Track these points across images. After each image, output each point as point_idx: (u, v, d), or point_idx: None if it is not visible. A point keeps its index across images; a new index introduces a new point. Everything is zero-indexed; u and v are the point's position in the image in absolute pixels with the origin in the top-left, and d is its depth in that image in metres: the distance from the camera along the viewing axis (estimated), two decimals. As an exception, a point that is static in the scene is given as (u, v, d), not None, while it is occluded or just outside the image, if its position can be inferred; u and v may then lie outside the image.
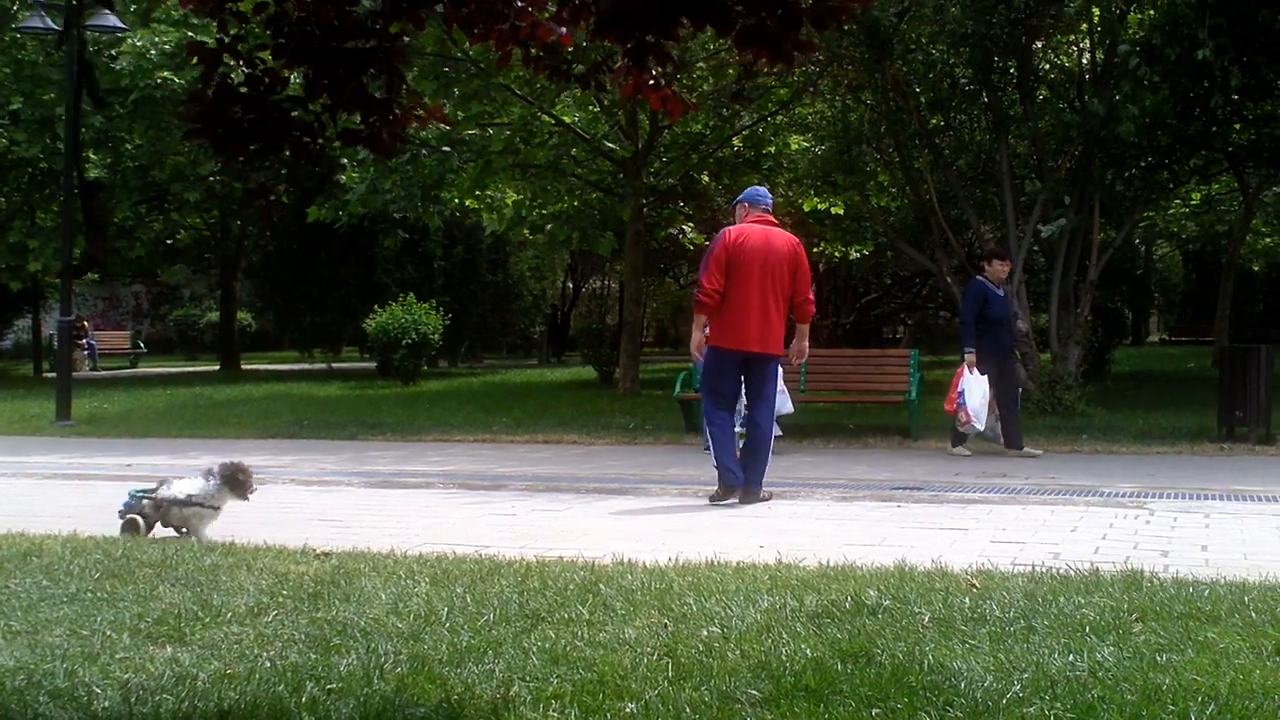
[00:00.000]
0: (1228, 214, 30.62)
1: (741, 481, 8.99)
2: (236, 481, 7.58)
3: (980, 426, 11.76)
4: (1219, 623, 4.91)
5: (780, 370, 12.57)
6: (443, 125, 5.11)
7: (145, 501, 7.63)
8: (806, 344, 9.48)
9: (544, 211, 22.57)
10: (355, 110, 4.36)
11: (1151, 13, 15.39)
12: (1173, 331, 46.89)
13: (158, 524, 7.64)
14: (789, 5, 3.74)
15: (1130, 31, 15.50)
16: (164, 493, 7.58)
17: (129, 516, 7.62)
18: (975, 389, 11.69)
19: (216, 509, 7.62)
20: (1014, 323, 15.67)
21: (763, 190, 9.62)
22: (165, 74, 22.97)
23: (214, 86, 4.28)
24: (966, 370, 11.73)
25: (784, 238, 9.12)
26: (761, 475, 9.07)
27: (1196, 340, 39.77)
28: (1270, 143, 16.21)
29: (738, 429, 12.37)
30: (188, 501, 7.55)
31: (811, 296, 9.26)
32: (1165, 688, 4.10)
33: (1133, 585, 5.56)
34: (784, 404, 12.23)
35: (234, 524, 7.87)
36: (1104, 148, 15.26)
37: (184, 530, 7.65)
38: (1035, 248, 17.51)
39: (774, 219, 9.27)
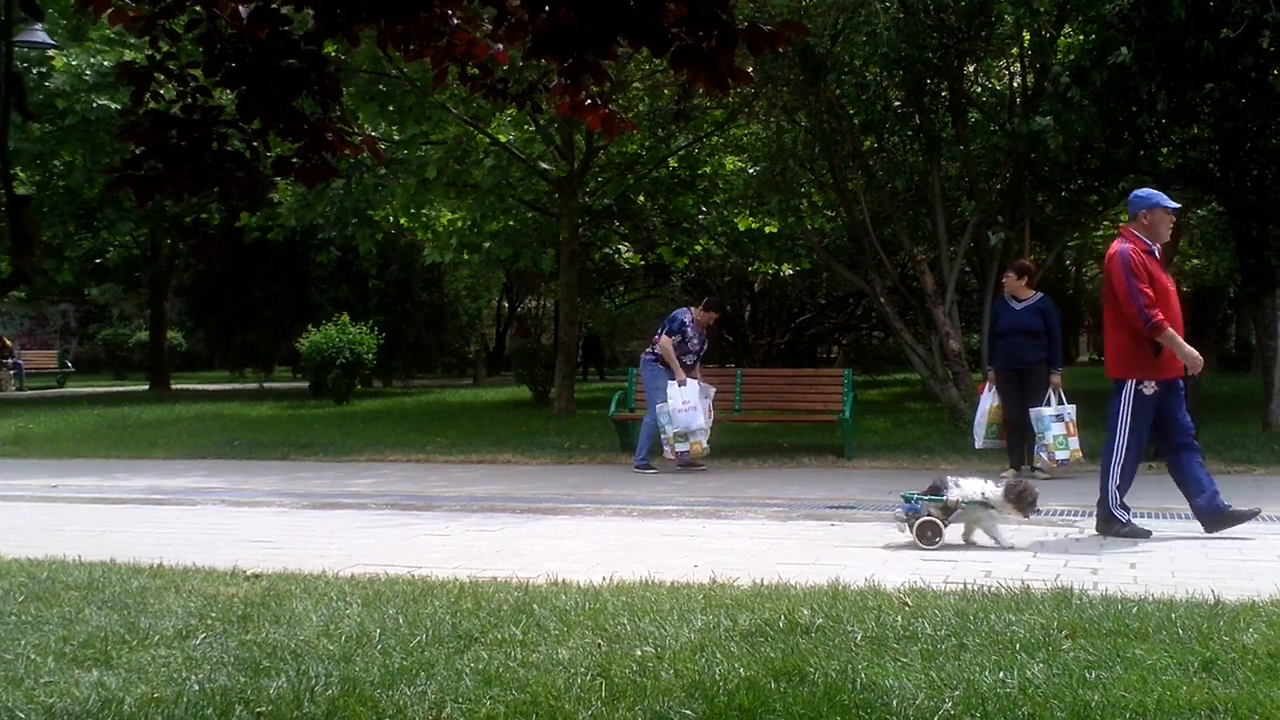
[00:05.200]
0: (1155, 236, 31.08)
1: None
2: (1022, 498, 7.58)
3: (978, 444, 11.83)
4: (1147, 640, 4.97)
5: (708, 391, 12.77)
6: (376, 160, 5.07)
7: (932, 504, 7.58)
8: (1186, 351, 8.02)
9: (480, 231, 22.49)
10: (289, 135, 4.34)
11: (1081, 37, 15.63)
12: (1102, 351, 47.53)
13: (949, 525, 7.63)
14: (724, 26, 3.76)
15: (1060, 56, 15.72)
16: (956, 495, 7.55)
17: (926, 519, 7.54)
18: (979, 406, 11.80)
19: (1002, 513, 7.62)
20: (947, 341, 15.83)
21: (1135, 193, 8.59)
22: (102, 100, 22.65)
23: (147, 108, 4.24)
24: (985, 388, 11.81)
25: (1112, 247, 8.30)
26: (1103, 499, 8.16)
27: (1125, 360, 40.25)
28: (1196, 166, 16.45)
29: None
30: (986, 503, 7.55)
31: (1133, 308, 7.98)
32: (1094, 704, 4.14)
33: (1062, 603, 5.62)
34: (692, 420, 12.37)
35: (162, 545, 7.78)
36: (1034, 169, 15.46)
37: (970, 532, 7.67)
38: (967, 268, 17.69)
39: (1124, 227, 8.38)
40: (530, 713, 4.21)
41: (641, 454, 12.73)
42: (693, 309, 13.08)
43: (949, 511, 7.58)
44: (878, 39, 15.20)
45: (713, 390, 13.11)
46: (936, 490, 7.64)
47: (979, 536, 7.70)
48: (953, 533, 7.68)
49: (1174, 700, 4.19)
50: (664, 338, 12.70)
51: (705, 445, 12.46)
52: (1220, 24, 12.44)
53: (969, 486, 7.61)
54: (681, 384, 12.42)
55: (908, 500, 7.70)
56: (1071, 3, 15.06)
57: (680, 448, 12.45)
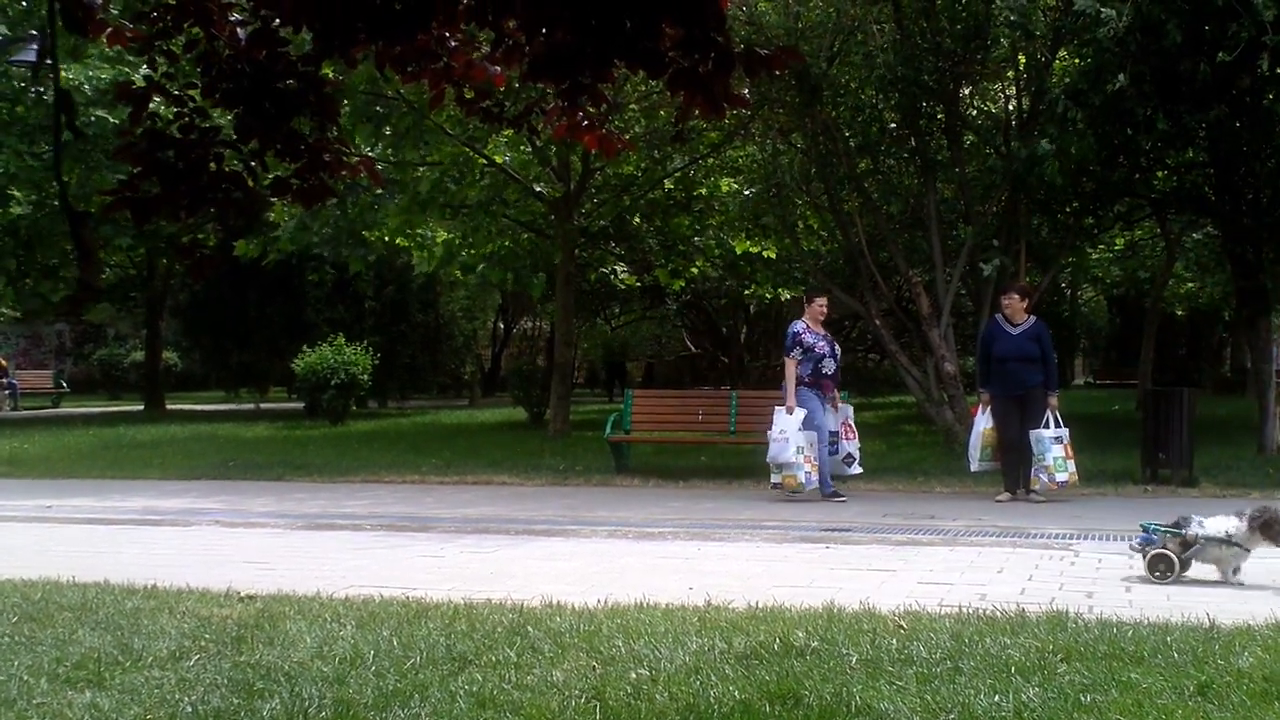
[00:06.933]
0: (1150, 259, 31.10)
1: None
2: (1270, 527, 7.16)
3: (973, 466, 11.83)
4: (1142, 663, 4.96)
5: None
6: (373, 180, 5.11)
7: (1169, 537, 7.28)
8: None
9: (475, 252, 22.53)
10: (286, 156, 4.35)
11: (1077, 61, 15.67)
12: (1098, 374, 47.49)
13: (1190, 562, 7.30)
14: (721, 50, 3.77)
15: (1056, 80, 15.75)
16: (1196, 530, 7.24)
17: (1159, 552, 7.27)
18: (973, 429, 11.82)
19: (1248, 550, 7.26)
20: (942, 364, 15.83)
21: None
22: (99, 113, 22.63)
23: (144, 128, 4.25)
24: (979, 410, 11.82)
25: None
26: None
27: (1121, 383, 40.27)
28: (1192, 189, 16.48)
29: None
30: (1227, 541, 7.22)
31: None
32: (1090, 728, 4.13)
33: (1058, 626, 5.61)
34: (781, 451, 11.76)
35: (156, 566, 7.75)
36: (1029, 193, 15.48)
37: (1225, 571, 7.31)
38: (963, 291, 17.70)
39: None
40: (524, 735, 4.19)
41: (827, 483, 11.93)
42: (802, 317, 12.47)
43: (1186, 546, 7.26)
44: (874, 61, 15.26)
45: (850, 411, 12.62)
46: (1179, 524, 7.35)
47: (1228, 574, 7.31)
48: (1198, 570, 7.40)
49: (1169, 724, 4.18)
50: (787, 361, 12.08)
51: (803, 478, 11.59)
52: (1217, 48, 12.46)
53: (1212, 525, 7.28)
54: (789, 411, 11.75)
55: (1145, 530, 7.44)
56: (1067, 26, 15.11)
57: (774, 478, 11.88)
